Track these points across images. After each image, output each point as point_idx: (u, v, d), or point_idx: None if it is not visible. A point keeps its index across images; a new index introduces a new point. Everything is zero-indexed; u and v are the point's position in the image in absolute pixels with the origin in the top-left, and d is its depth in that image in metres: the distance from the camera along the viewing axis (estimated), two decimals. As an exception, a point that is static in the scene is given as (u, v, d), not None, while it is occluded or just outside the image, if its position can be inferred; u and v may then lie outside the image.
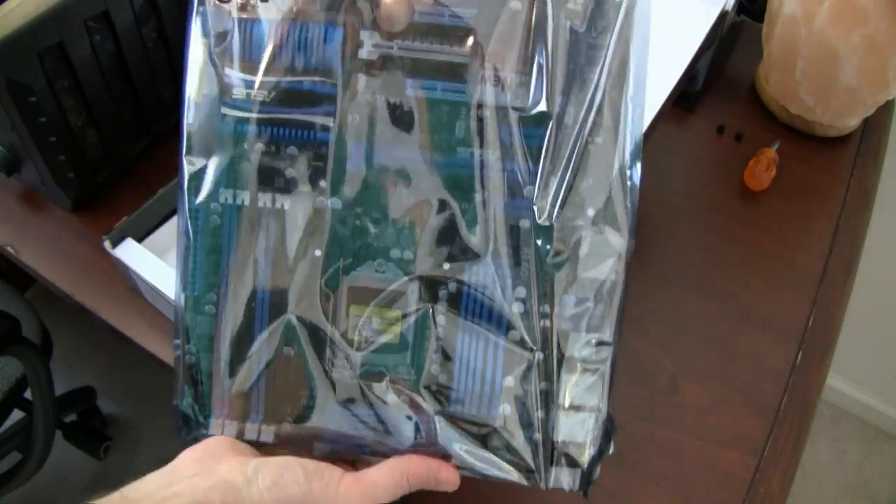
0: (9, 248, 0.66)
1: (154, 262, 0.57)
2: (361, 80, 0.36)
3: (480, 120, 0.36)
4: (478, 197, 0.36)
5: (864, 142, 0.78)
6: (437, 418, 0.37)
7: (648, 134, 0.58)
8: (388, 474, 0.35)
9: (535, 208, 0.36)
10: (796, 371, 0.61)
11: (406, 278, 0.37)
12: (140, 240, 0.59)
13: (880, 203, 0.76)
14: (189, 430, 0.38)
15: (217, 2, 0.37)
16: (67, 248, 0.66)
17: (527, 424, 0.37)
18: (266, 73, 0.36)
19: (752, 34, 0.86)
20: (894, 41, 0.65)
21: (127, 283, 0.62)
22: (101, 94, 0.63)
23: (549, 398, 0.37)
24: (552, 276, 0.36)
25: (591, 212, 0.36)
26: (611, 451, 0.39)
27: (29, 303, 1.06)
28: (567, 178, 0.36)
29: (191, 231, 0.37)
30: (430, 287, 0.36)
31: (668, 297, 0.64)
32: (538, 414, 0.37)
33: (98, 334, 1.50)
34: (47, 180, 0.64)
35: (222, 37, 0.36)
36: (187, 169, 0.37)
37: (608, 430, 0.38)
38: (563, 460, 0.38)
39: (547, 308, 0.36)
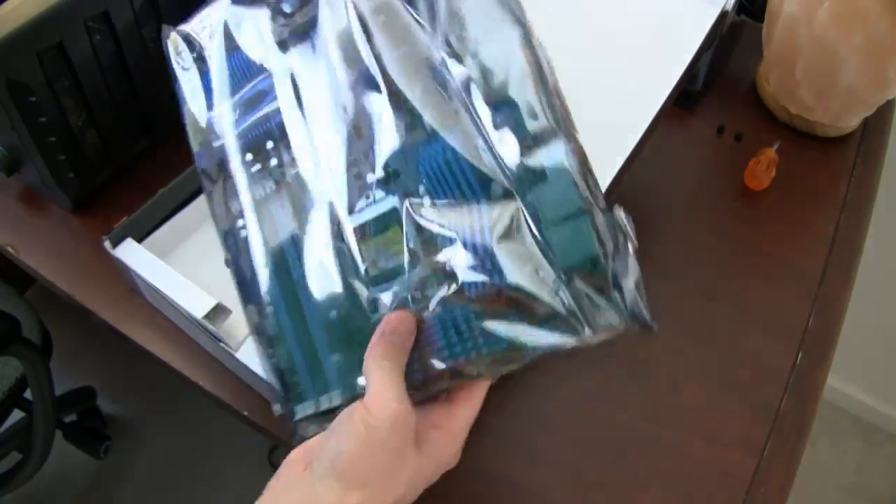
0: (9, 248, 0.66)
1: (154, 263, 0.57)
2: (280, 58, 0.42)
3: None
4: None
5: (864, 142, 0.78)
6: (462, 313, 0.35)
7: (648, 134, 0.58)
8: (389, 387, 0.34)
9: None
10: (796, 371, 0.61)
11: (389, 194, 0.37)
12: (140, 240, 0.59)
13: (880, 203, 0.76)
14: (295, 429, 0.40)
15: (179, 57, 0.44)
16: (67, 248, 0.66)
17: (542, 278, 0.34)
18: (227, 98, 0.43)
19: (752, 34, 0.86)
20: (894, 41, 0.65)
21: (127, 283, 0.62)
22: (101, 94, 0.63)
23: (537, 224, 0.35)
24: (471, 107, 0.36)
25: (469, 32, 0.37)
26: (634, 247, 0.34)
27: (29, 303, 1.06)
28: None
29: (228, 254, 0.42)
30: (407, 188, 0.37)
31: (667, 297, 0.64)
32: (539, 251, 0.34)
33: (98, 334, 1.50)
34: (47, 180, 0.64)
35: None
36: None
37: (615, 223, 0.34)
38: (587, 290, 0.34)
39: (495, 137, 0.35)
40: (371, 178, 0.38)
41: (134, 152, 0.70)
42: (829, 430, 1.46)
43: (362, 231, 0.38)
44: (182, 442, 1.38)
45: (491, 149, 0.35)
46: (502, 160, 0.35)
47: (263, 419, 0.56)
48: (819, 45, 0.68)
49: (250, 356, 0.55)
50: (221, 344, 0.54)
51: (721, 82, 0.83)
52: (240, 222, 0.42)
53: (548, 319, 0.34)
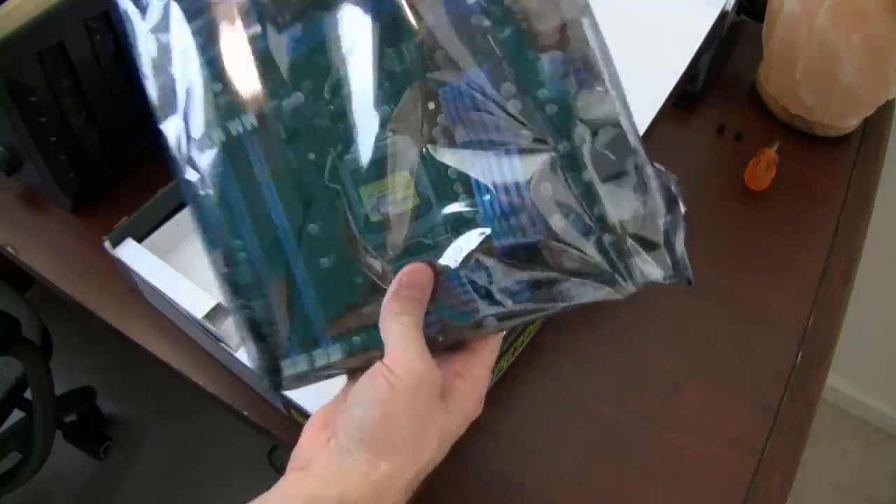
0: (9, 248, 0.66)
1: (154, 262, 0.57)
2: None
3: None
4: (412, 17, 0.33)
5: (865, 142, 0.78)
6: (483, 259, 0.33)
7: (648, 134, 0.58)
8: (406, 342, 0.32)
9: None
10: (796, 371, 0.61)
11: (392, 133, 0.34)
12: (140, 240, 0.59)
13: (880, 203, 0.76)
14: (276, 383, 0.37)
15: None
16: (67, 248, 0.66)
17: (584, 230, 0.32)
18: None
19: (752, 34, 0.86)
20: (894, 41, 0.65)
21: (127, 284, 0.62)
22: (101, 94, 0.63)
23: (590, 188, 0.32)
24: (527, 56, 0.32)
25: None
26: (683, 210, 0.34)
27: (29, 303, 1.06)
28: None
29: (199, 191, 0.36)
30: (422, 129, 0.34)
31: (667, 297, 0.64)
32: (592, 211, 0.32)
33: (98, 334, 1.50)
34: (47, 180, 0.64)
35: None
36: (173, 137, 0.37)
37: (668, 188, 0.33)
38: (638, 246, 0.33)
39: (544, 92, 0.32)
40: (375, 115, 0.34)
41: (134, 152, 0.70)
42: (829, 430, 1.46)
43: (369, 171, 0.34)
44: (182, 442, 1.38)
45: (519, 94, 0.33)
46: (537, 108, 0.33)
47: (263, 419, 0.56)
48: (819, 45, 0.68)
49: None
50: (221, 344, 0.54)
51: (721, 82, 0.83)
52: (201, 158, 0.37)
53: (588, 273, 0.33)
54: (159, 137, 0.38)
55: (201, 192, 0.36)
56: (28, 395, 1.01)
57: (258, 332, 0.36)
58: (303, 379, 0.37)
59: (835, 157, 0.77)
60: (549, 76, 0.33)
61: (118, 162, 0.69)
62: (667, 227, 0.33)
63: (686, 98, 0.79)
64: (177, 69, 0.37)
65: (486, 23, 0.33)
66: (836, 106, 0.73)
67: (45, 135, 0.60)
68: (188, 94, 0.37)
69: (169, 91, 0.37)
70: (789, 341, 0.62)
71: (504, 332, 0.36)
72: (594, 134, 0.33)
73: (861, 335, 1.14)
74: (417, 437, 0.32)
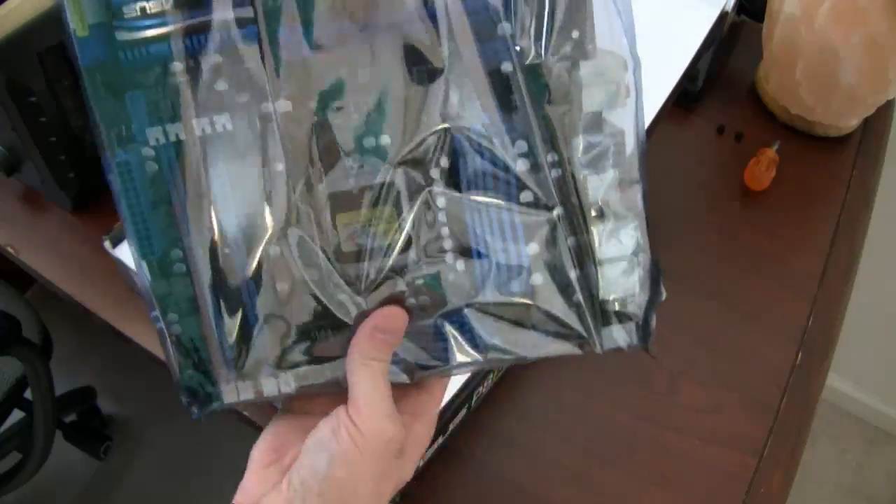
0: (9, 248, 0.66)
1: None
2: None
3: None
4: (445, 50, 0.31)
5: (865, 142, 0.78)
6: (467, 312, 0.33)
7: (649, 134, 0.58)
8: (368, 384, 0.31)
9: (518, 47, 0.31)
10: (796, 371, 0.61)
11: (389, 166, 0.32)
12: (140, 240, 0.59)
13: (880, 203, 0.76)
14: (201, 405, 0.34)
15: None
16: (67, 249, 0.66)
17: (564, 288, 0.33)
18: None
19: (752, 34, 0.86)
20: (894, 41, 0.65)
21: (127, 284, 0.62)
22: (101, 94, 0.63)
23: (582, 254, 0.33)
24: (553, 120, 0.32)
25: (576, 34, 0.31)
26: (663, 296, 0.35)
27: (29, 303, 1.06)
28: (545, 1, 0.31)
29: (127, 188, 0.32)
30: (420, 167, 0.32)
31: (667, 296, 0.64)
32: (574, 274, 0.33)
33: (98, 334, 1.50)
34: (47, 180, 0.64)
35: None
36: (101, 117, 0.31)
37: (655, 275, 0.35)
38: (614, 317, 0.34)
39: (555, 156, 0.32)
40: (370, 142, 0.32)
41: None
42: (829, 430, 1.46)
43: (337, 199, 0.32)
44: (182, 442, 1.38)
45: (533, 156, 0.32)
46: (546, 174, 0.32)
47: (263, 419, 0.56)
48: (819, 45, 0.68)
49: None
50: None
51: (721, 82, 0.83)
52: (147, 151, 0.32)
53: (561, 335, 0.34)
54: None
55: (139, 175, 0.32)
56: (28, 395, 1.01)
57: (187, 347, 0.34)
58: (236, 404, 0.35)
59: (835, 157, 0.77)
60: (564, 139, 0.32)
61: (118, 162, 0.69)
62: (647, 309, 0.34)
63: (686, 98, 0.79)
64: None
65: (519, 76, 0.32)
66: (836, 106, 0.73)
67: (45, 135, 0.60)
68: None
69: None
70: (789, 341, 0.62)
71: None
72: (611, 216, 0.33)
73: (861, 335, 1.14)
74: (375, 497, 0.31)
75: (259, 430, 0.57)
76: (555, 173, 0.32)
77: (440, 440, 0.51)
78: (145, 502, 1.31)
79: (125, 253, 0.57)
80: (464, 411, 0.53)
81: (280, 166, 0.31)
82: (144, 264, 0.32)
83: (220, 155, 0.31)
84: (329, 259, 0.32)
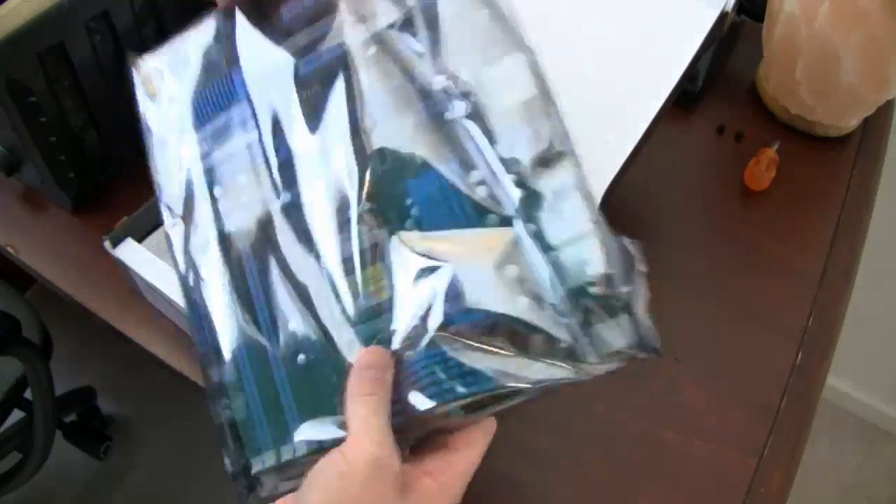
0: (9, 248, 0.66)
1: (154, 262, 0.57)
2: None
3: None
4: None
5: (865, 142, 0.78)
6: (453, 347, 0.33)
7: (648, 135, 0.58)
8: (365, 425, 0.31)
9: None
10: (796, 371, 0.61)
11: (368, 229, 0.36)
12: (140, 240, 0.59)
13: (880, 203, 0.76)
14: (252, 485, 0.36)
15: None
16: (67, 248, 0.66)
17: (546, 303, 0.32)
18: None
19: (752, 34, 0.86)
20: (894, 41, 0.65)
21: (127, 284, 0.62)
22: (101, 94, 0.63)
23: (557, 260, 0.32)
24: (474, 134, 0.35)
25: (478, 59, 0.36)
26: (642, 268, 0.33)
27: (29, 303, 1.06)
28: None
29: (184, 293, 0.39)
30: (394, 213, 0.35)
31: (667, 297, 0.64)
32: (546, 276, 0.32)
33: (98, 334, 1.50)
34: (47, 180, 0.64)
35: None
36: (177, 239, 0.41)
37: (624, 248, 0.33)
38: (596, 311, 0.31)
39: (496, 167, 0.34)
40: (354, 211, 0.36)
41: (134, 152, 0.70)
42: (829, 430, 1.46)
43: (346, 266, 0.35)
44: (182, 442, 1.38)
45: (488, 178, 0.34)
46: (503, 188, 0.34)
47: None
48: (819, 45, 0.68)
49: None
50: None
51: (721, 82, 0.83)
52: (200, 259, 0.39)
53: (548, 351, 0.32)
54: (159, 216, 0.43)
55: (195, 290, 0.39)
56: (28, 395, 1.01)
57: (236, 432, 0.37)
58: (271, 476, 0.36)
59: (835, 157, 0.77)
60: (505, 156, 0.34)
61: (118, 162, 0.69)
62: (629, 292, 0.32)
63: (686, 98, 0.79)
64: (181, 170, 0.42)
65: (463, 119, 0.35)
66: (836, 106, 0.73)
67: (45, 135, 0.60)
68: (191, 195, 0.41)
69: (177, 188, 0.42)
70: (789, 341, 0.62)
71: (491, 428, 0.35)
72: (553, 207, 0.33)
73: (861, 335, 1.14)
74: None
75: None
76: (502, 181, 0.34)
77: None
78: (145, 502, 1.31)
79: (125, 253, 0.57)
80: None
81: (300, 248, 0.39)
82: (202, 354, 0.40)
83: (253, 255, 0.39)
84: (349, 320, 0.35)
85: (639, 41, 0.62)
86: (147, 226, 0.60)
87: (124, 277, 0.61)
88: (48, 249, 0.66)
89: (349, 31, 0.39)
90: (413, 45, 0.37)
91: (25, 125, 0.58)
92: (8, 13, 0.54)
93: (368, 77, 0.37)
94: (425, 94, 0.36)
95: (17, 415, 1.06)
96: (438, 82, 0.36)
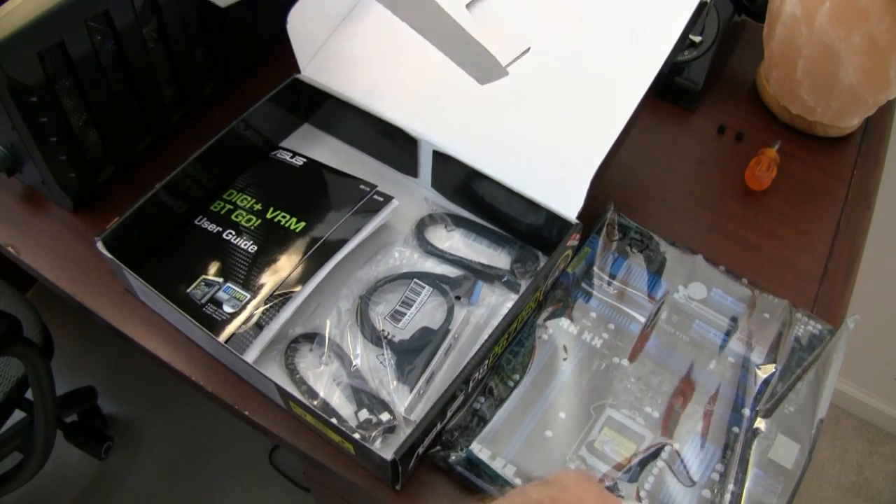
0: (9, 248, 0.66)
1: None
2: None
3: None
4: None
5: (865, 142, 0.78)
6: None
7: (631, 123, 0.59)
8: None
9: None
10: (796, 371, 0.61)
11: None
12: (140, 240, 0.59)
13: (880, 203, 0.76)
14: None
15: None
16: (68, 248, 0.66)
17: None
18: None
19: (752, 34, 0.86)
20: (894, 41, 0.65)
21: (122, 284, 0.62)
22: (102, 93, 0.63)
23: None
24: (748, 456, 0.51)
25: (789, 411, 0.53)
26: None
27: (30, 303, 1.06)
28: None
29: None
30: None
31: (668, 297, 0.64)
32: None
33: (99, 334, 1.50)
34: (48, 180, 0.64)
35: None
36: None
37: None
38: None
39: (737, 477, 0.50)
40: None
41: (134, 152, 0.70)
42: (829, 430, 1.46)
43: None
44: (183, 442, 1.38)
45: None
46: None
47: (263, 419, 0.56)
48: (819, 45, 0.68)
49: (250, 354, 0.55)
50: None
51: (721, 82, 0.83)
52: None
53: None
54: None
55: None
56: (29, 395, 1.01)
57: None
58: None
59: (835, 157, 0.77)
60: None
61: (118, 162, 0.69)
62: None
63: (687, 98, 0.79)
64: None
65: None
66: (837, 106, 0.73)
67: (45, 135, 0.60)
68: None
69: None
70: (789, 341, 0.62)
71: None
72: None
73: (861, 335, 1.14)
74: None
75: (260, 430, 0.57)
76: (732, 489, 0.51)
77: (438, 426, 0.52)
78: (145, 502, 1.31)
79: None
80: (460, 399, 0.54)
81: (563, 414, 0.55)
82: None
83: None
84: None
85: (619, 32, 0.62)
86: (139, 225, 0.60)
87: (119, 278, 0.61)
88: (48, 249, 0.66)
89: None
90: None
91: (26, 125, 0.58)
92: (8, 13, 0.54)
93: None
94: None
95: (17, 415, 1.06)
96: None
